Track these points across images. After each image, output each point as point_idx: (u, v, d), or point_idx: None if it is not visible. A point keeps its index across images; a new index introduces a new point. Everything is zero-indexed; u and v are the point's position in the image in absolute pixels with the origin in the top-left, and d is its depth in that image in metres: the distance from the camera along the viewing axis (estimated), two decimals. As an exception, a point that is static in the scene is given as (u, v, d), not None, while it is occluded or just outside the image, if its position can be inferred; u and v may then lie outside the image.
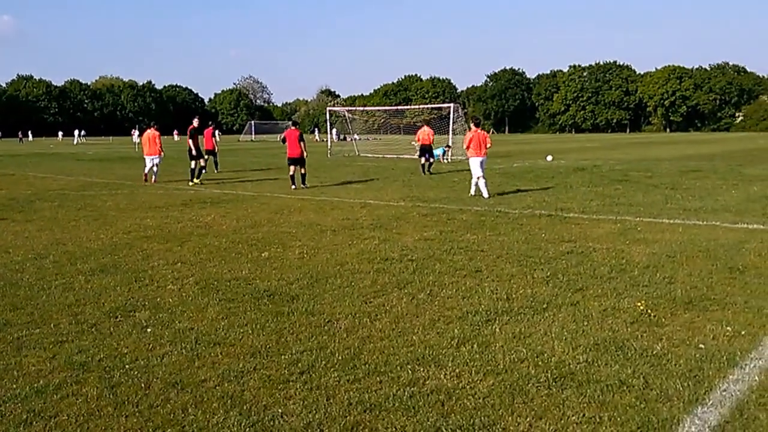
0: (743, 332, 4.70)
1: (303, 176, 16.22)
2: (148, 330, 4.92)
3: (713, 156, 29.78)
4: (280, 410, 3.53)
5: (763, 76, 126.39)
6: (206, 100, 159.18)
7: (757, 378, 3.91)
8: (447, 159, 27.87)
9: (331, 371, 4.05)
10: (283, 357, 4.31)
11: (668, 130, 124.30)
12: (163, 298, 5.80)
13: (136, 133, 57.95)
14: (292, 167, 16.11)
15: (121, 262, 7.32)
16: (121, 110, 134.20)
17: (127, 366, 4.18)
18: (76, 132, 79.18)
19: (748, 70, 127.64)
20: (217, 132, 26.49)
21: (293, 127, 16.48)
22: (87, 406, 3.61)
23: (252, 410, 3.53)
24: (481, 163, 13.51)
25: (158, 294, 5.96)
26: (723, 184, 15.34)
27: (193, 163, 18.17)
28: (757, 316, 5.08)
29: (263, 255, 7.66)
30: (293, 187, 15.71)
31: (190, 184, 17.67)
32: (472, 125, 14.23)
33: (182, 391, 3.79)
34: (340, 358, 4.27)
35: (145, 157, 18.64)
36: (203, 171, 18.72)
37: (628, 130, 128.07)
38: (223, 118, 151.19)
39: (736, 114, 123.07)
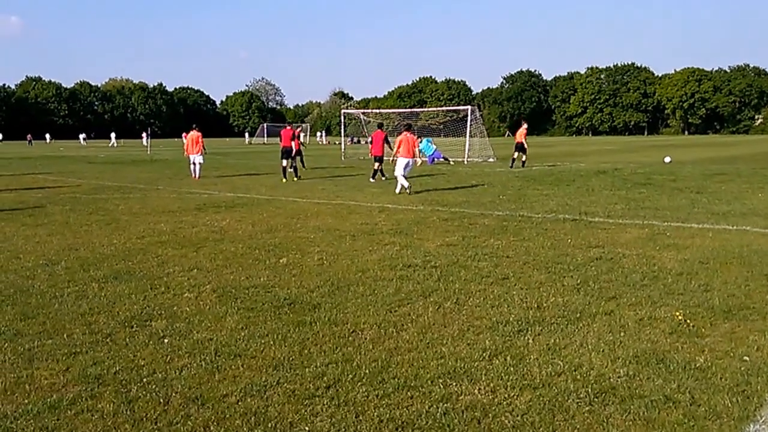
0: (791, 344, 4.44)
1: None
2: (165, 341, 4.75)
3: (735, 159, 29.23)
4: (307, 428, 3.34)
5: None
6: (218, 103, 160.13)
7: (812, 394, 3.66)
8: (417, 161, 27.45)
9: (359, 386, 3.85)
10: (307, 370, 4.12)
11: (686, 132, 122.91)
12: (179, 307, 5.64)
13: (146, 135, 58.28)
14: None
15: (135, 269, 7.18)
16: (132, 112, 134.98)
17: (144, 379, 4.01)
18: (82, 135, 79.45)
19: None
20: (301, 134, 28.14)
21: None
22: (103, 423, 3.45)
23: (277, 428, 3.35)
24: (408, 164, 15.48)
25: (174, 302, 5.81)
26: (749, 188, 14.95)
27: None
28: (803, 326, 4.81)
29: (281, 261, 7.49)
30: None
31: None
32: (404, 131, 16.16)
33: (203, 407, 3.61)
34: (367, 371, 4.08)
35: (189, 156, 21.12)
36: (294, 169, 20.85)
37: (645, 133, 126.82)
38: (234, 121, 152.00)
39: (756, 116, 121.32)
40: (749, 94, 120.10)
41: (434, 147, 29.12)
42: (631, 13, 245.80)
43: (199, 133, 21.30)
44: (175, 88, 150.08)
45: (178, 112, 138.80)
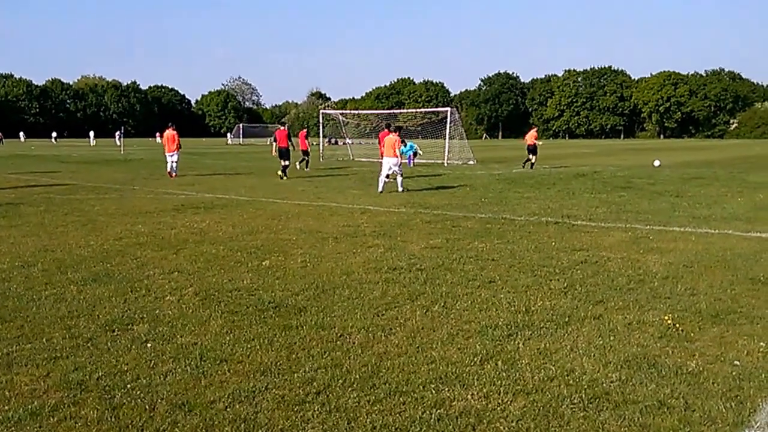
0: (778, 348, 4.46)
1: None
2: (149, 345, 4.62)
3: (712, 163, 29.74)
4: (297, 436, 3.25)
5: (758, 83, 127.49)
6: (193, 102, 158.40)
7: (802, 399, 3.67)
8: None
9: (350, 391, 3.77)
10: (296, 375, 4.03)
11: (662, 136, 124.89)
12: (161, 310, 5.50)
13: (119, 134, 57.36)
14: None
15: (114, 271, 7.00)
16: (105, 111, 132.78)
17: (128, 385, 3.88)
18: (53, 134, 77.85)
19: (744, 76, 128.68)
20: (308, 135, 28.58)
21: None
22: (87, 430, 3.32)
23: (267, 436, 3.26)
24: (395, 163, 16.12)
25: (156, 306, 5.66)
26: (727, 192, 15.19)
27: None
28: (789, 330, 4.85)
29: (264, 263, 7.37)
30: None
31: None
32: (394, 132, 16.80)
33: (190, 414, 3.50)
34: (357, 376, 4.00)
35: (165, 154, 21.49)
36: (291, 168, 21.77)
37: (622, 136, 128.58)
38: (210, 120, 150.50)
39: (731, 121, 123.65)
40: (724, 99, 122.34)
41: (411, 148, 29.14)
42: (609, 16, 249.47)
43: (175, 132, 21.80)
44: (150, 87, 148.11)
45: (152, 111, 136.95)
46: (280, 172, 20.76)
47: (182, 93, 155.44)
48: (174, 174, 21.20)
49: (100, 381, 3.94)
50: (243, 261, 7.52)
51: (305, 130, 27.53)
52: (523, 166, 25.79)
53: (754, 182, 18.01)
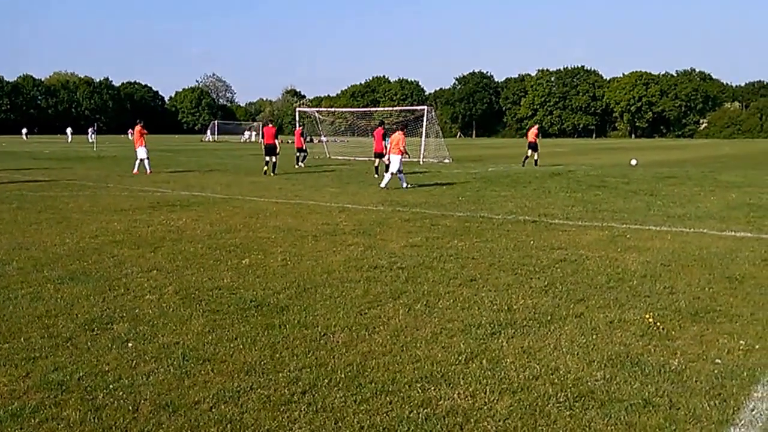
0: (757, 346, 4.55)
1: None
2: (130, 344, 4.53)
3: (684, 162, 30.33)
4: (285, 437, 3.22)
5: (728, 84, 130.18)
6: (166, 99, 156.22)
7: (781, 395, 3.75)
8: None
9: (336, 391, 3.75)
10: (280, 375, 3.98)
11: (633, 135, 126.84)
12: (141, 309, 5.40)
13: (92, 131, 56.30)
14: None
15: (91, 269, 6.86)
16: (77, 107, 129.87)
17: (110, 386, 3.80)
18: (24, 130, 76.14)
19: (714, 77, 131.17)
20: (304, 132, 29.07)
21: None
22: (68, 433, 3.24)
23: (254, 437, 3.21)
24: (400, 160, 16.46)
25: (136, 304, 5.56)
26: (700, 191, 15.49)
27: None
28: (766, 329, 4.95)
29: (244, 262, 7.29)
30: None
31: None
32: (400, 130, 17.17)
33: (174, 414, 3.44)
34: (342, 375, 3.97)
35: (136, 150, 21.63)
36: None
37: (594, 136, 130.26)
38: (183, 117, 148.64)
39: (701, 121, 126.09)
40: (695, 99, 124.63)
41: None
42: (582, 16, 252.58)
43: (140, 127, 22.10)
44: (123, 83, 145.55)
45: (125, 107, 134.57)
46: (265, 167, 21.25)
47: (156, 89, 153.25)
48: (137, 171, 21.49)
49: (81, 381, 3.86)
50: (222, 259, 7.44)
51: (301, 128, 28.30)
52: (523, 164, 26.20)
53: (725, 181, 18.41)
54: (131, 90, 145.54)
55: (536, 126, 28.57)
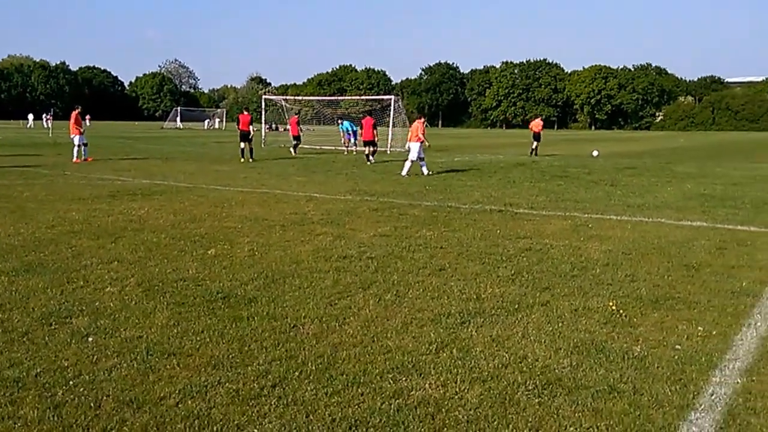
0: (714, 332, 4.69)
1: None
2: (90, 339, 4.40)
3: (641, 154, 31.03)
4: (255, 430, 3.17)
5: (682, 78, 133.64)
6: (126, 84, 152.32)
7: (738, 380, 3.87)
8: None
9: (306, 383, 3.71)
10: (249, 368, 3.92)
11: (593, 127, 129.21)
12: (102, 302, 5.25)
13: (47, 116, 54.56)
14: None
15: (48, 261, 6.63)
16: (32, 92, 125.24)
17: (70, 382, 3.68)
18: None
19: (669, 71, 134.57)
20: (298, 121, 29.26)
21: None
22: (28, 431, 3.13)
23: (224, 430, 3.15)
24: (418, 148, 17.02)
25: (96, 297, 5.40)
26: (657, 182, 15.87)
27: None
28: (722, 315, 5.11)
29: (209, 252, 7.16)
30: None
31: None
32: (417, 118, 17.98)
33: (139, 411, 3.35)
34: (313, 367, 3.93)
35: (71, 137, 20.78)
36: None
37: (555, 127, 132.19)
38: (144, 104, 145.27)
39: (657, 113, 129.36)
40: (651, 92, 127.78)
41: (348, 127, 29.33)
42: (545, 10, 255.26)
43: (76, 113, 21.26)
44: (80, 68, 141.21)
45: (83, 92, 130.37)
46: (242, 157, 21.95)
47: (115, 75, 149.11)
48: (77, 158, 20.55)
49: (39, 378, 3.73)
50: (187, 250, 7.29)
51: (296, 117, 29.25)
52: (530, 154, 27.20)
53: (681, 172, 18.91)
54: (89, 75, 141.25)
55: (539, 118, 29.67)
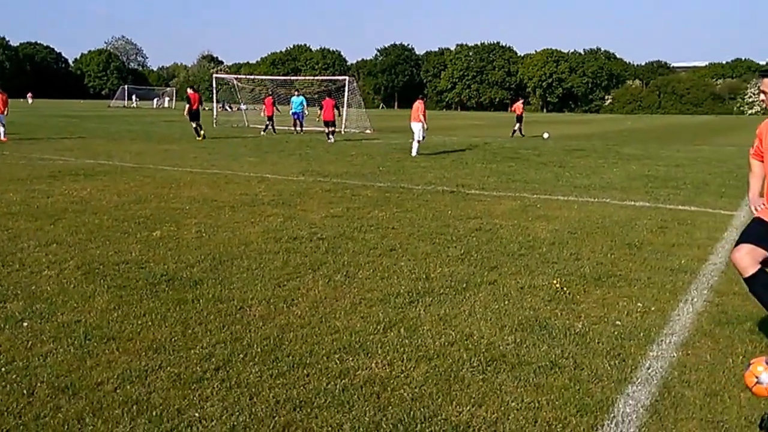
0: (653, 308, 4.84)
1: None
2: (25, 324, 4.23)
3: (590, 136, 31.71)
4: (197, 414, 3.10)
5: (630, 63, 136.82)
6: (71, 61, 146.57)
7: (674, 354, 4.01)
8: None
9: (251, 366, 3.66)
10: (192, 352, 3.84)
11: (545, 110, 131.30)
12: (39, 286, 5.06)
13: None
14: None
15: (-18, 244, 6.36)
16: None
17: (2, 369, 3.53)
18: None
19: (618, 56, 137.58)
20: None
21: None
22: (-47, 422, 2.99)
23: (163, 416, 3.08)
24: (420, 128, 17.69)
25: (32, 281, 5.20)
26: (604, 163, 16.27)
27: None
28: (661, 291, 5.28)
29: (154, 234, 6.98)
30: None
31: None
32: (419, 99, 18.66)
33: (75, 397, 3.24)
34: (258, 350, 3.88)
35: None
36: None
37: (509, 109, 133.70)
38: (90, 81, 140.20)
39: (606, 97, 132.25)
40: (600, 76, 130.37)
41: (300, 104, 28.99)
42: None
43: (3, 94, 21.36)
44: (21, 44, 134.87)
45: (24, 69, 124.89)
46: (198, 135, 22.41)
47: (58, 51, 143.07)
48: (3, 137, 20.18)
49: (-32, 366, 3.56)
50: (131, 232, 7.08)
51: (271, 97, 29.46)
52: (512, 135, 28.25)
53: (627, 154, 19.43)
54: (31, 51, 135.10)
55: (521, 100, 30.61)
